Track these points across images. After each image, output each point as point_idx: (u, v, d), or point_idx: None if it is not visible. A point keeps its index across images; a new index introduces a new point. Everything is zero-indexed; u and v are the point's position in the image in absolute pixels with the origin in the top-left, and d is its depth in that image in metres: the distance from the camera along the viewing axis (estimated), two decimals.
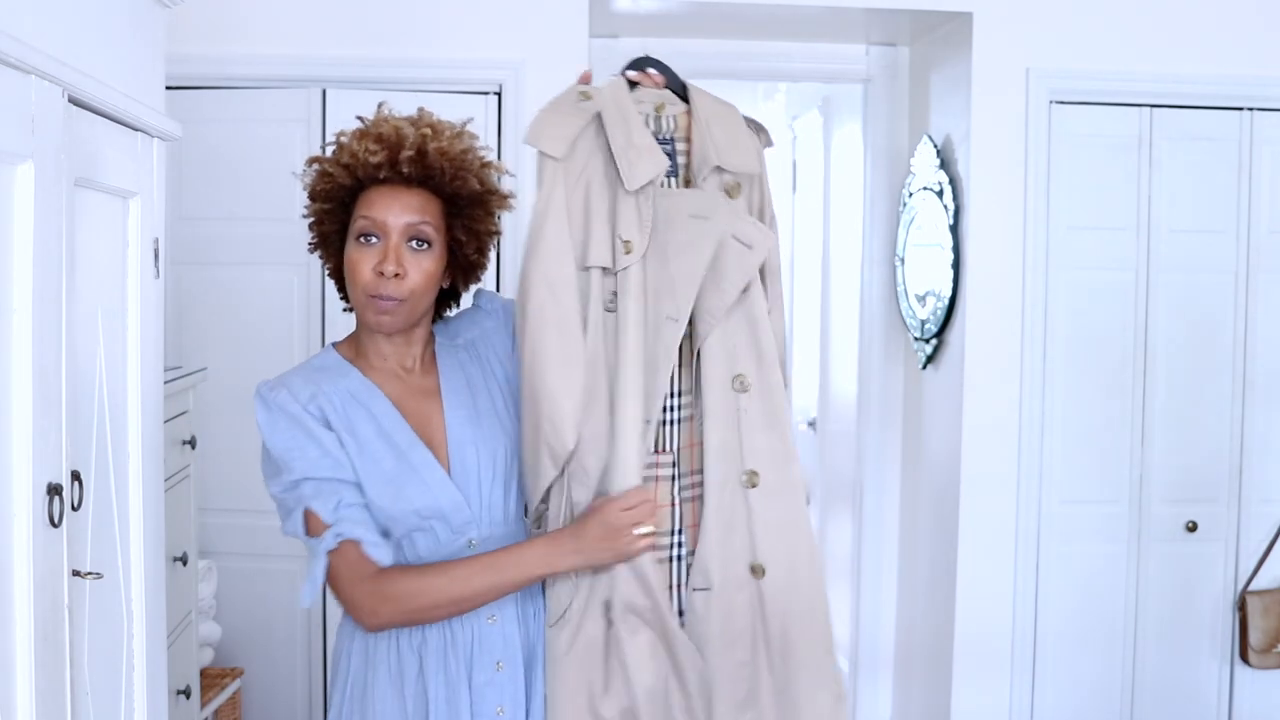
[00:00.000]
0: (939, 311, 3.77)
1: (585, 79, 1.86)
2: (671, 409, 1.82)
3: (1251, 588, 3.71)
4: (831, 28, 3.94)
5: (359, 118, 1.84)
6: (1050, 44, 3.63)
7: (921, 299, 3.91)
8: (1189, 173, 3.68)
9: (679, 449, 1.84)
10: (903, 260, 4.03)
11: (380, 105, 1.87)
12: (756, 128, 1.92)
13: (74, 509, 1.60)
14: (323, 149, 1.86)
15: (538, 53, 3.55)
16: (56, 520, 1.51)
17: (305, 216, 1.87)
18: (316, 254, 1.90)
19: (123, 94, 1.79)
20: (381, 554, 1.75)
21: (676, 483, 1.84)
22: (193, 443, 2.90)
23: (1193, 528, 3.72)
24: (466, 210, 1.84)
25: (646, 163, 1.77)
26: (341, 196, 1.80)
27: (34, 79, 1.46)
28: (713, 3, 3.68)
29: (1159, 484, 3.72)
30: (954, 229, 3.69)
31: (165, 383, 2.17)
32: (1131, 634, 3.73)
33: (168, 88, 2.10)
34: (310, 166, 1.85)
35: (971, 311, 3.66)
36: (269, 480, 1.79)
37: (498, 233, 1.91)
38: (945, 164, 3.77)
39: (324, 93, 3.54)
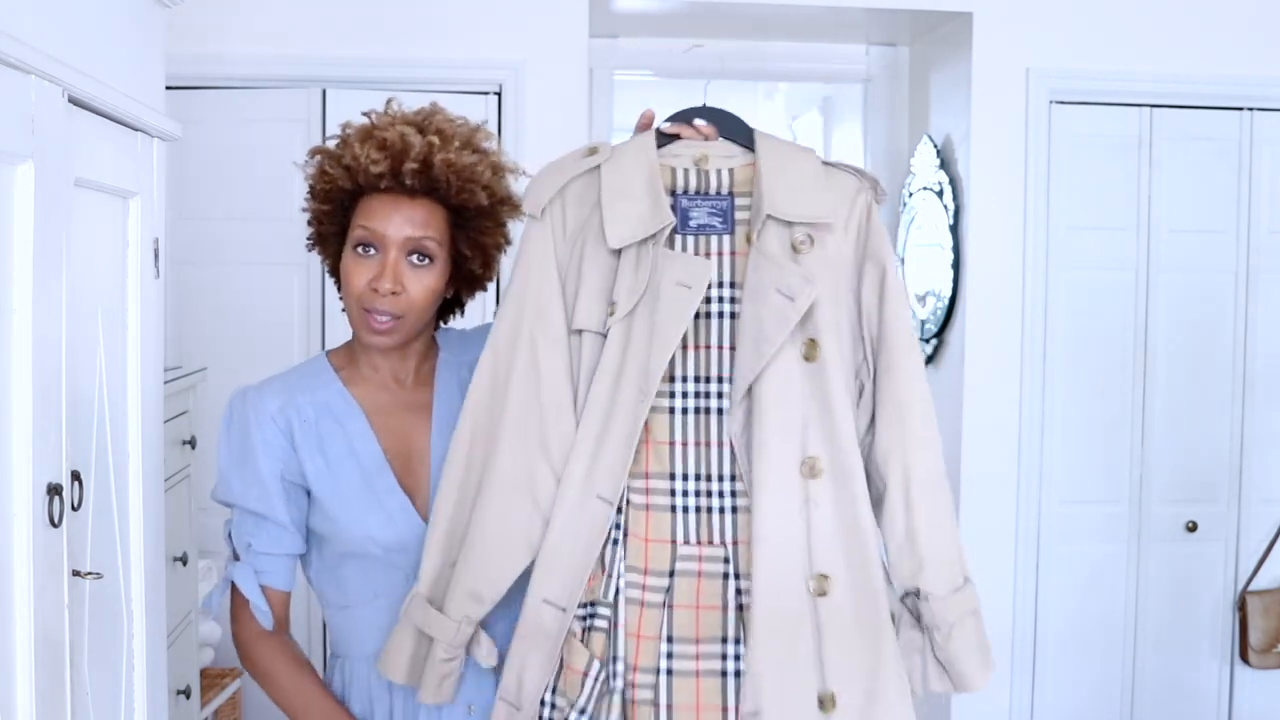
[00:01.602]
0: (939, 311, 3.77)
1: (646, 120, 1.70)
2: (723, 494, 1.59)
3: (1251, 588, 3.71)
4: (831, 28, 3.94)
5: (365, 114, 1.75)
6: (1050, 44, 3.63)
7: (921, 299, 3.91)
8: (1189, 173, 3.68)
9: (734, 543, 1.58)
10: (903, 260, 4.03)
11: (389, 102, 1.77)
12: (859, 176, 1.66)
13: (74, 509, 1.60)
14: (324, 141, 1.81)
15: (538, 53, 3.55)
16: (56, 520, 1.51)
17: (305, 211, 1.79)
18: (314, 251, 1.83)
19: (123, 94, 1.79)
20: (265, 621, 1.75)
21: (732, 582, 1.57)
22: (193, 443, 2.90)
23: (1193, 528, 3.72)
24: (473, 222, 1.73)
25: (634, 219, 1.58)
26: (341, 199, 1.72)
27: (34, 79, 1.46)
28: (713, 3, 3.68)
29: (1159, 484, 3.72)
30: (954, 229, 3.69)
31: (165, 383, 2.17)
32: (1131, 634, 3.73)
33: (168, 88, 2.10)
34: (312, 158, 1.76)
35: (971, 311, 3.66)
36: (215, 485, 1.78)
37: (507, 243, 1.80)
38: (945, 164, 3.77)
39: (324, 93, 3.54)
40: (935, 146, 3.82)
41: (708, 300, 1.60)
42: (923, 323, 3.90)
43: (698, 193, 1.64)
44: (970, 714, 3.69)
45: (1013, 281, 3.65)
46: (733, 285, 1.62)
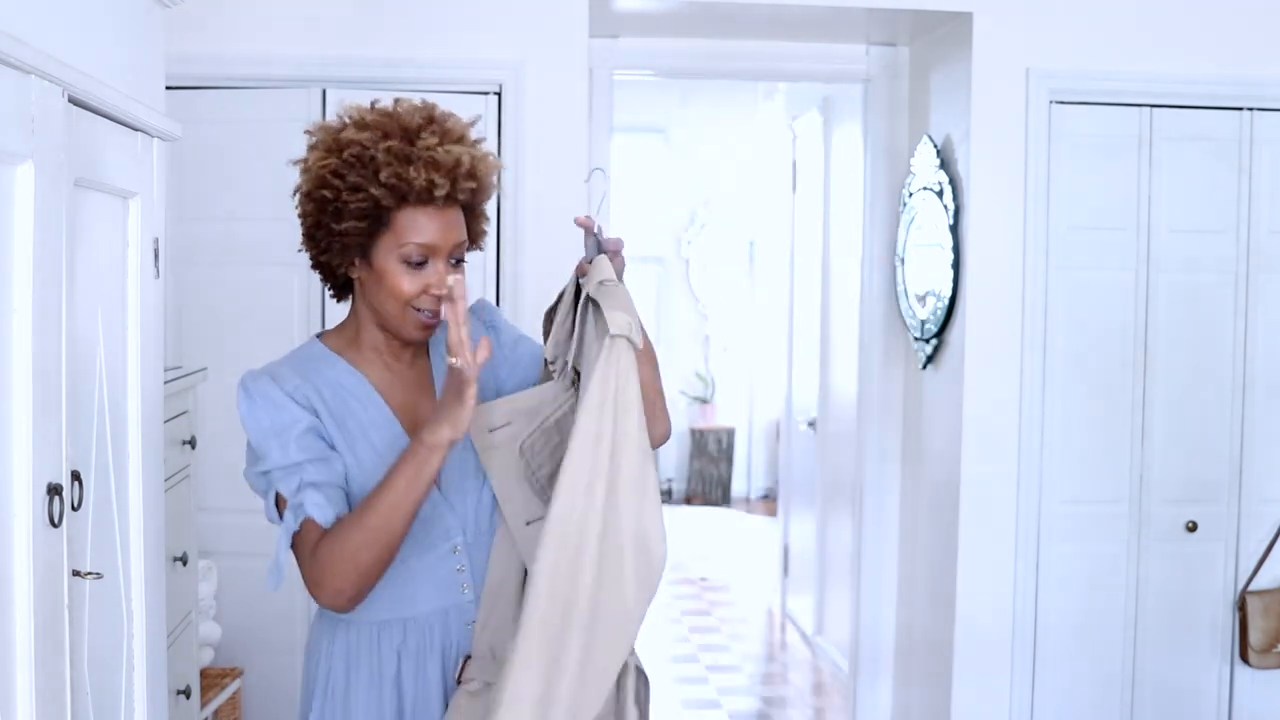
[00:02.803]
0: (939, 311, 3.77)
1: (582, 223, 1.82)
2: None
3: (1251, 588, 3.71)
4: (831, 28, 3.94)
5: (390, 139, 1.75)
6: (1050, 44, 3.63)
7: (921, 299, 3.91)
8: (1189, 173, 3.68)
9: None
10: (903, 260, 4.03)
11: (383, 101, 1.83)
12: (609, 327, 1.68)
13: (74, 509, 1.60)
14: (340, 154, 1.75)
15: (538, 53, 3.55)
16: (56, 520, 1.51)
17: (335, 233, 1.77)
18: (327, 260, 1.82)
19: (123, 94, 1.79)
20: (328, 520, 1.69)
21: None
22: (193, 443, 2.90)
23: (1193, 528, 3.72)
24: (479, 209, 1.87)
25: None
26: (378, 214, 1.76)
27: (34, 79, 1.46)
28: (713, 3, 3.68)
29: (1159, 484, 3.72)
30: (954, 229, 3.69)
31: (165, 383, 2.17)
32: (1131, 634, 3.73)
33: (168, 88, 2.10)
34: (310, 165, 1.78)
35: (971, 311, 3.66)
36: (247, 466, 1.77)
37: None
38: (945, 164, 3.77)
39: (324, 93, 3.54)
40: (935, 146, 3.82)
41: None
42: (923, 323, 3.90)
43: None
44: (970, 714, 3.69)
45: (1013, 281, 3.65)
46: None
